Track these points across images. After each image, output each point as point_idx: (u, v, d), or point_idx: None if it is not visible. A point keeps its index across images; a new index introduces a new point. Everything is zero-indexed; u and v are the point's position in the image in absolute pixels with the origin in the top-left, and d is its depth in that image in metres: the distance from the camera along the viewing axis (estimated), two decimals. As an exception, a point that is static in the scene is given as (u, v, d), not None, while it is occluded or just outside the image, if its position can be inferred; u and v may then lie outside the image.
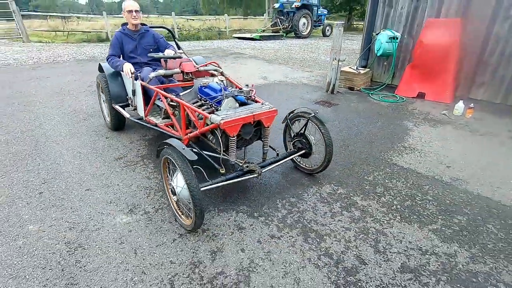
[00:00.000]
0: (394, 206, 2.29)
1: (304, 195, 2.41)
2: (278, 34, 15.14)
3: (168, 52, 3.03)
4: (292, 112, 2.67)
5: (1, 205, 2.23)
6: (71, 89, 5.23)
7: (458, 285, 1.62)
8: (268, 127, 2.30)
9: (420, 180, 2.64)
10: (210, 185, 2.02)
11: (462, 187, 2.54)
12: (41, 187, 2.46)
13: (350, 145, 3.32)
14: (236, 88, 2.69)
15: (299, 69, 7.43)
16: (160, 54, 2.92)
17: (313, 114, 2.47)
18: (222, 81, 2.76)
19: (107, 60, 3.11)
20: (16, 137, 3.36)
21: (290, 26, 15.25)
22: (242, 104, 2.35)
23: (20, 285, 1.60)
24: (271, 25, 16.21)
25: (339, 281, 1.64)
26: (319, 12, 16.16)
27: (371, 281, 1.64)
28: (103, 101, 3.48)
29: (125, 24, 3.17)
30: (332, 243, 1.92)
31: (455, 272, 1.71)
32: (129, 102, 3.16)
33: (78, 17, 16.19)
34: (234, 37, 15.20)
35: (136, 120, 2.99)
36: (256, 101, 2.38)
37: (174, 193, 1.97)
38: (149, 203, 2.29)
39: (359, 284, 1.63)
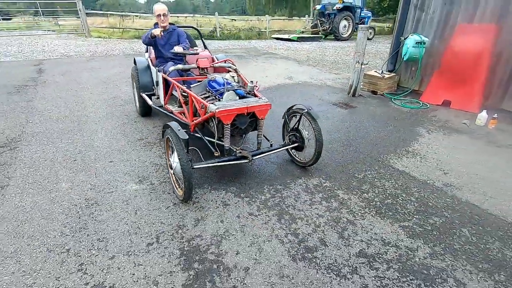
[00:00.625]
0: (374, 203, 2.40)
1: (291, 184, 2.63)
2: (316, 36, 15.10)
3: (177, 49, 3.35)
4: (290, 108, 2.89)
5: (45, 166, 2.80)
6: (115, 79, 5.97)
7: (407, 274, 1.74)
8: (262, 119, 2.56)
9: (410, 183, 2.69)
10: (203, 164, 2.35)
11: (451, 192, 2.55)
12: (76, 156, 3.01)
13: (352, 145, 3.43)
14: (244, 83, 2.99)
15: (327, 71, 7.48)
16: (175, 49, 3.28)
17: (306, 110, 2.67)
18: (233, 77, 3.09)
19: (143, 42, 3.55)
20: (65, 116, 4.04)
21: (330, 28, 15.10)
22: (242, 97, 2.63)
23: (47, 224, 2.08)
24: (311, 27, 16.20)
25: (296, 256, 1.86)
26: (362, 14, 15.75)
27: (325, 260, 1.84)
28: (135, 90, 4.02)
29: (156, 23, 3.64)
30: (302, 225, 2.13)
31: (409, 263, 1.82)
32: (154, 91, 3.63)
33: (136, 16, 17.78)
34: (272, 37, 15.50)
35: (157, 107, 3.45)
36: (256, 96, 2.65)
37: (171, 168, 2.34)
38: (156, 176, 2.69)
39: (314, 260, 1.83)
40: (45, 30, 15.93)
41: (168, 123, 2.29)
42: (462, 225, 2.16)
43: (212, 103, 2.41)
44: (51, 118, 3.95)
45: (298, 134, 2.81)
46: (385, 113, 4.54)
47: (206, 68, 3.19)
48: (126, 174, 2.72)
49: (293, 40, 14.07)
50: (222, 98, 2.53)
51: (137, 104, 4.03)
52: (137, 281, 1.66)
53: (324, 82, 6.43)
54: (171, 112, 3.21)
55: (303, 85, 6.10)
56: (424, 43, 5.02)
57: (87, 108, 4.35)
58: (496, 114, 3.94)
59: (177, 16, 17.77)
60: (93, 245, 1.90)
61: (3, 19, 20.13)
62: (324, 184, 2.64)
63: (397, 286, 1.66)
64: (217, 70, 3.80)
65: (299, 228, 2.10)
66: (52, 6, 20.44)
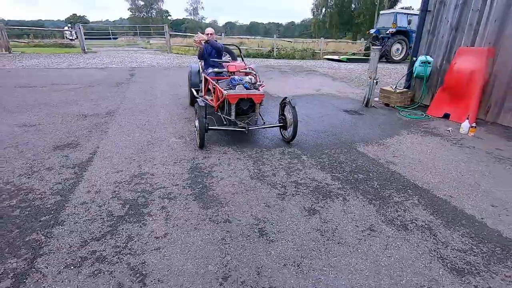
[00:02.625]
0: (323, 164, 3.47)
1: (273, 149, 3.85)
2: (367, 58, 15.69)
3: (225, 59, 4.92)
4: (282, 100, 4.14)
5: (128, 125, 4.56)
6: (180, 83, 7.95)
7: (316, 193, 2.81)
8: (258, 103, 3.88)
9: (360, 158, 3.65)
10: (215, 127, 3.77)
11: (387, 166, 3.44)
12: (145, 122, 4.74)
13: (336, 136, 4.46)
14: (257, 82, 4.34)
15: (355, 87, 8.37)
16: (218, 61, 4.85)
17: (288, 99, 3.90)
18: (251, 78, 4.49)
19: (198, 57, 5.26)
20: (143, 101, 5.96)
21: (382, 51, 15.57)
22: (248, 89, 4.00)
23: (127, 150, 3.71)
24: (364, 49, 16.85)
25: (253, 177, 3.08)
26: (418, 38, 15.80)
27: (270, 181, 3.01)
28: (189, 86, 5.73)
29: (206, 42, 5.30)
30: (266, 167, 3.34)
31: (321, 189, 2.88)
32: (200, 87, 5.26)
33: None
34: (324, 58, 16.62)
35: (198, 96, 5.03)
36: (258, 89, 3.99)
37: (195, 127, 3.81)
38: (188, 136, 4.19)
39: (262, 180, 3.03)
40: (140, 47, 20.00)
41: (197, 99, 3.79)
42: (376, 180, 3.09)
43: (226, 90, 3.84)
44: (134, 102, 5.91)
45: (283, 117, 4.03)
46: (386, 121, 5.35)
47: (234, 71, 4.66)
48: (172, 134, 4.29)
49: (343, 61, 14.98)
50: (235, 89, 3.94)
51: (189, 97, 5.72)
52: (165, 174, 3.11)
53: (347, 94, 7.39)
54: (206, 99, 4.74)
55: (326, 96, 7.17)
56: (429, 63, 5.72)
57: (157, 98, 6.25)
58: (474, 124, 4.49)
59: (247, 38, 20.32)
60: (147, 159, 3.44)
61: (113, 38, 25.68)
62: (296, 152, 3.79)
63: (305, 195, 2.76)
64: (247, 74, 5.26)
65: (263, 167, 3.31)
66: (147, 29, 25.16)
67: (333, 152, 3.83)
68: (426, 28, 6.07)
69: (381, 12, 17.74)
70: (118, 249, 2.02)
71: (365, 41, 19.02)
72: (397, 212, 2.55)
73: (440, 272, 1.89)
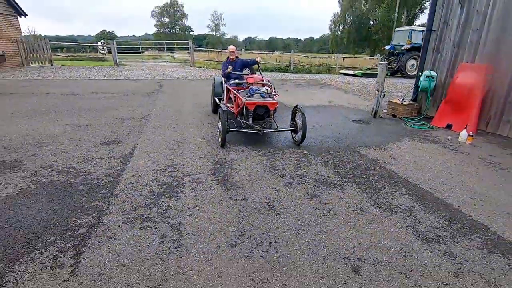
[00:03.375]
0: (327, 162, 3.99)
1: (284, 150, 4.42)
2: (382, 72, 16.08)
3: (245, 72, 5.62)
4: (294, 107, 4.73)
5: (160, 127, 5.30)
6: (203, 93, 8.75)
7: (319, 183, 3.34)
8: (273, 110, 4.49)
9: (361, 159, 4.14)
10: (235, 129, 4.41)
11: (384, 165, 3.92)
12: (175, 125, 5.46)
13: (341, 141, 4.97)
14: (272, 92, 4.98)
15: (366, 99, 8.85)
16: (238, 73, 5.56)
17: (298, 107, 4.49)
18: (267, 88, 5.13)
19: (221, 74, 6.01)
20: (171, 109, 6.74)
21: (397, 67, 15.95)
22: (263, 98, 4.63)
23: (161, 146, 4.40)
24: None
25: (266, 170, 3.66)
26: (434, 54, 16.08)
27: (280, 173, 3.57)
28: (212, 95, 6.45)
29: (228, 58, 6.04)
30: (277, 163, 3.90)
31: (323, 181, 3.40)
32: (222, 96, 5.96)
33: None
34: (339, 73, 17.18)
35: (221, 104, 5.72)
36: (272, 98, 4.62)
37: (218, 128, 4.46)
38: (211, 137, 4.85)
39: (274, 172, 3.59)
40: (165, 61, 21.41)
41: (220, 106, 4.46)
42: (372, 176, 3.58)
43: (245, 98, 4.49)
44: (164, 109, 6.71)
45: (294, 123, 4.62)
46: (391, 130, 5.81)
47: (252, 83, 5.33)
48: (197, 135, 4.97)
49: (358, 76, 15.47)
50: (253, 97, 4.59)
51: (212, 105, 6.44)
52: (193, 165, 3.74)
53: (357, 106, 7.89)
54: (227, 106, 5.42)
55: (336, 107, 7.71)
56: (433, 77, 6.16)
57: (183, 106, 7.03)
58: (471, 133, 4.88)
59: (265, 53, 21.24)
60: (177, 154, 4.10)
61: (140, 53, 27.60)
62: (304, 152, 4.34)
63: (309, 184, 3.29)
64: (264, 85, 5.93)
65: (275, 163, 3.89)
66: (171, 44, 26.81)
67: (337, 153, 4.35)
68: (431, 46, 6.54)
69: (397, 29, 18.22)
70: (160, 214, 2.65)
71: (381, 57, 19.42)
72: (385, 199, 3.03)
73: (412, 240, 2.37)
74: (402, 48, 15.60)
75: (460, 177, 3.60)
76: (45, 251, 2.13)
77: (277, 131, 4.67)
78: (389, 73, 16.29)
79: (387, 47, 17.12)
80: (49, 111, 6.14)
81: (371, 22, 38.17)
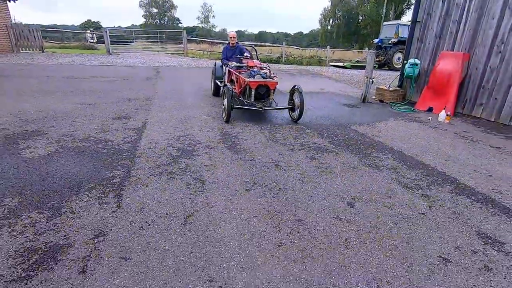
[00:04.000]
0: (322, 135, 4.46)
1: (283, 125, 4.86)
2: (371, 65, 16.71)
3: (245, 56, 6.00)
4: (293, 87, 5.16)
5: (164, 106, 5.63)
6: (201, 79, 9.06)
7: (316, 149, 3.80)
8: (273, 90, 4.91)
9: (352, 133, 4.63)
10: (238, 106, 4.80)
11: (373, 137, 4.42)
12: (178, 105, 5.81)
13: (334, 120, 5.45)
14: (270, 73, 5.39)
15: (355, 87, 9.39)
16: (240, 57, 5.94)
17: (296, 87, 4.92)
18: (265, 72, 5.53)
19: (221, 60, 6.36)
20: (173, 92, 7.05)
21: (384, 60, 16.62)
22: (264, 78, 5.04)
23: (169, 123, 4.76)
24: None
25: (269, 139, 4.09)
26: (419, 48, 16.82)
27: (282, 142, 4.01)
28: (212, 79, 6.80)
29: (228, 43, 6.40)
30: (278, 134, 4.34)
31: (319, 148, 3.87)
32: (223, 79, 6.33)
33: (221, 43, 22.25)
34: (329, 64, 17.72)
35: (223, 85, 6.09)
36: (272, 78, 5.03)
37: (222, 106, 4.85)
38: (215, 114, 5.23)
39: (276, 141, 4.03)
40: (156, 51, 21.37)
41: (226, 86, 4.84)
42: (362, 145, 4.07)
43: (247, 78, 4.89)
44: (166, 91, 7.01)
45: (292, 101, 5.06)
46: (378, 112, 6.34)
47: (252, 66, 5.71)
48: (202, 113, 5.34)
49: (347, 67, 16.04)
50: (255, 78, 4.99)
51: (212, 88, 6.79)
52: (202, 135, 4.13)
53: (347, 93, 8.40)
54: (228, 87, 5.80)
55: (328, 93, 8.20)
56: (417, 65, 6.72)
57: (184, 89, 7.35)
58: (449, 113, 5.46)
59: (257, 45, 21.52)
60: (187, 127, 4.47)
61: (129, 43, 27.32)
62: (302, 127, 4.80)
63: (307, 150, 3.75)
64: (262, 68, 6.32)
65: (276, 135, 4.32)
66: (162, 34, 26.65)
67: (330, 128, 4.83)
68: (416, 36, 7.09)
69: (384, 23, 18.87)
70: (181, 169, 3.04)
71: (369, 50, 20.06)
72: (373, 161, 3.53)
73: (396, 187, 2.86)
74: (390, 42, 16.25)
75: (437, 146, 4.14)
76: (89, 193, 2.50)
77: (276, 109, 5.10)
78: (376, 66, 16.95)
79: (375, 40, 17.75)
80: (54, 92, 6.34)
81: (360, 17, 38.91)
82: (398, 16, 34.21)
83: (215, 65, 6.68)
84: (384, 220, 2.31)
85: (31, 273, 1.64)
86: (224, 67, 6.23)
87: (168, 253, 1.84)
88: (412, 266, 1.83)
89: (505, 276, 1.79)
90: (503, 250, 2.02)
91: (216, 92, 6.69)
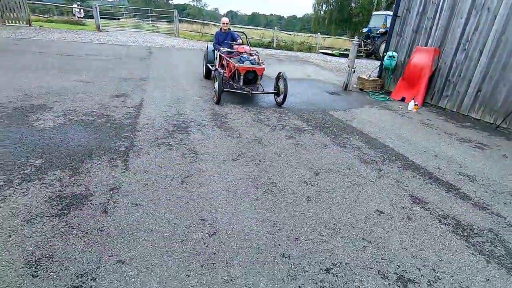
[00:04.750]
0: (302, 118, 5.01)
1: (268, 108, 5.38)
2: (358, 54, 17.21)
3: (238, 42, 6.40)
4: (279, 73, 5.64)
5: (159, 86, 6.03)
6: (193, 61, 9.37)
7: (294, 130, 4.36)
8: (260, 75, 5.38)
9: (329, 117, 5.21)
10: (228, 89, 5.27)
11: (346, 122, 5.01)
12: (172, 86, 6.20)
13: (315, 105, 6.00)
14: (258, 60, 5.84)
15: (340, 75, 9.93)
16: (231, 43, 6.34)
17: (281, 73, 5.41)
18: (254, 58, 5.96)
19: (213, 44, 6.73)
20: (166, 73, 7.40)
21: (372, 49, 17.13)
22: (253, 64, 5.49)
23: (163, 101, 5.19)
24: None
25: (254, 120, 4.61)
26: (406, 39, 17.38)
27: (266, 123, 4.54)
28: (204, 62, 7.17)
29: (221, 28, 6.74)
30: (263, 116, 4.86)
31: (297, 129, 4.43)
32: (214, 63, 6.73)
33: (214, 24, 22.13)
34: (319, 51, 18.11)
35: (214, 69, 6.50)
36: (260, 65, 5.49)
37: (213, 88, 5.31)
38: (206, 96, 5.68)
39: (260, 122, 4.56)
40: (146, 30, 21.10)
41: (217, 70, 5.28)
42: (335, 128, 4.66)
43: (237, 64, 5.33)
44: (159, 72, 7.36)
45: (277, 87, 5.56)
46: (356, 99, 6.93)
47: (242, 52, 6.13)
48: (194, 94, 5.78)
49: (335, 55, 16.49)
50: (244, 63, 5.43)
51: (203, 71, 7.19)
52: (195, 115, 4.60)
53: (332, 81, 8.94)
54: (220, 72, 6.22)
55: (313, 81, 8.71)
56: (394, 57, 7.29)
57: (177, 71, 7.71)
58: (417, 103, 6.11)
59: (249, 28, 21.58)
60: (180, 107, 4.92)
61: (116, 19, 26.64)
62: (285, 111, 5.33)
63: (287, 130, 4.30)
64: (251, 54, 6.75)
65: (261, 116, 4.84)
66: (148, 12, 26.13)
67: (311, 113, 5.38)
68: (395, 30, 7.62)
69: (374, 13, 19.25)
70: (177, 142, 3.55)
71: (357, 39, 20.47)
72: (342, 141, 4.12)
73: (356, 162, 3.47)
74: (377, 32, 16.72)
75: (400, 131, 4.78)
76: (100, 158, 2.98)
77: (263, 93, 5.59)
78: (364, 55, 17.49)
79: (364, 29, 18.18)
80: (51, 68, 6.59)
81: (353, 5, 38.88)
82: (389, 6, 34.46)
83: (207, 49, 7.04)
84: (340, 185, 2.92)
85: (65, 211, 2.15)
86: (215, 51, 6.61)
87: (169, 202, 2.39)
88: (354, 215, 2.45)
89: (420, 223, 2.43)
90: (424, 207, 2.67)
91: (207, 75, 7.09)
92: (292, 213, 2.40)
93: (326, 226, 2.28)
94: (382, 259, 2.00)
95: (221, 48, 6.21)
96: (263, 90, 5.65)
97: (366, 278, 1.83)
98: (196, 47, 13.35)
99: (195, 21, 22.29)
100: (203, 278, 1.72)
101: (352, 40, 21.59)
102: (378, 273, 1.88)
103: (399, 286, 1.80)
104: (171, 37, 17.32)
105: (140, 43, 12.81)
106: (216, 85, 5.21)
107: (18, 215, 2.06)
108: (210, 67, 6.72)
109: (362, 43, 17.77)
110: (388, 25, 16.55)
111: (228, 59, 5.70)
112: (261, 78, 5.52)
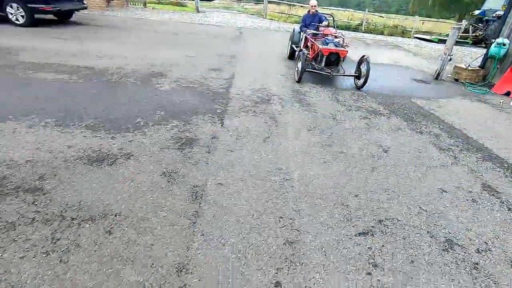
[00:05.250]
0: (381, 102, 5.04)
1: (347, 90, 5.55)
2: (463, 41, 15.01)
3: (324, 24, 6.60)
4: (362, 56, 5.68)
5: (249, 67, 6.74)
6: (277, 41, 9.85)
7: (366, 112, 4.50)
8: (343, 57, 5.55)
9: (411, 104, 5.09)
10: (310, 69, 5.62)
11: (431, 112, 4.85)
12: (258, 64, 6.85)
13: (397, 92, 5.86)
14: (343, 43, 5.97)
15: (432, 63, 9.08)
16: (317, 25, 6.57)
17: (365, 57, 5.46)
18: (339, 40, 6.11)
19: (300, 26, 7.08)
20: (253, 52, 8.10)
21: (483, 35, 14.70)
22: (336, 47, 5.67)
23: (251, 76, 5.87)
24: (462, 32, 15.97)
25: (331, 99, 4.90)
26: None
27: (343, 101, 4.79)
28: (289, 43, 7.58)
29: (309, 11, 6.99)
30: (340, 97, 5.09)
31: (373, 111, 4.55)
32: (299, 44, 7.08)
33: (301, 6, 22.06)
34: (414, 37, 16.40)
35: (298, 50, 6.86)
36: (344, 47, 5.64)
37: (296, 68, 5.72)
38: (288, 75, 6.13)
39: (338, 100, 4.82)
40: (236, 11, 22.36)
41: (302, 51, 5.65)
42: (415, 114, 4.59)
43: (321, 46, 5.59)
44: (248, 51, 8.10)
45: (359, 70, 5.64)
46: (448, 90, 6.43)
47: (328, 34, 6.32)
48: (277, 73, 6.29)
49: (433, 41, 14.75)
50: (328, 46, 5.66)
51: (288, 52, 7.62)
52: (278, 90, 5.14)
53: (422, 68, 8.31)
54: (304, 52, 6.57)
55: (402, 67, 8.26)
56: (505, 45, 6.37)
57: (263, 50, 8.34)
58: (523, 98, 5.36)
59: (337, 9, 20.90)
60: (265, 83, 5.52)
61: (210, 0, 28.80)
62: (363, 94, 5.42)
63: (363, 112, 4.47)
64: (336, 37, 6.87)
65: (338, 97, 5.08)
66: (244, -6, 27.18)
67: (390, 98, 5.35)
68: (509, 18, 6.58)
69: (493, -9, 16.19)
70: (261, 110, 4.15)
71: (466, 23, 17.67)
72: (419, 127, 4.12)
73: (430, 146, 3.51)
74: (494, 15, 14.16)
75: (492, 125, 4.42)
76: (203, 116, 3.80)
77: (344, 75, 5.76)
78: (470, 42, 15.14)
79: (477, 11, 15.57)
80: (164, 44, 7.96)
81: (467, -19, 32.91)
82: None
83: (293, 30, 7.40)
84: (407, 162, 3.09)
85: (182, 147, 2.98)
86: (301, 33, 6.93)
87: (254, 153, 3.01)
88: (415, 189, 2.66)
89: (484, 206, 2.49)
90: (494, 195, 2.67)
91: (291, 56, 7.50)
92: (356, 177, 2.75)
93: (385, 191, 2.57)
94: (434, 225, 2.23)
95: (307, 30, 6.50)
96: (344, 72, 5.80)
97: (414, 234, 2.11)
98: (282, 28, 13.76)
99: (283, 2, 22.52)
100: (278, 204, 2.28)
101: (462, 24, 18.83)
102: (427, 233, 2.14)
103: (445, 246, 2.03)
104: (259, 18, 18.07)
105: (232, 23, 13.88)
106: (299, 64, 5.60)
107: (155, 144, 2.96)
108: (295, 48, 7.10)
109: (471, 28, 15.39)
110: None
111: (312, 40, 5.99)
112: (343, 61, 5.68)
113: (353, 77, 5.82)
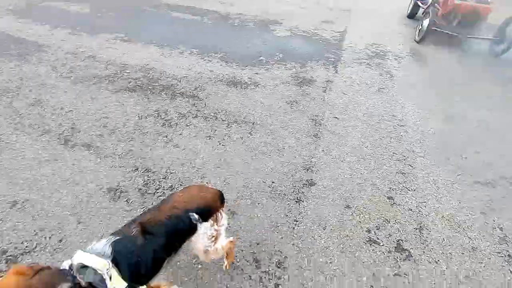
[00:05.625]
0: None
1: (478, 55, 4.85)
2: None
3: None
4: (509, 17, 4.77)
5: (364, 23, 6.40)
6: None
7: (504, 79, 3.92)
8: (484, 16, 4.76)
9: None
10: (436, 28, 5.03)
11: None
12: (371, 20, 6.43)
13: None
14: None
15: None
16: None
17: (514, 17, 4.57)
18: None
19: None
20: (368, 8, 7.55)
21: None
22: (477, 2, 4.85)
23: (364, 31, 5.62)
24: None
25: (455, 62, 4.40)
26: None
27: (469, 66, 4.27)
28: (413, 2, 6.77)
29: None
30: (467, 62, 4.51)
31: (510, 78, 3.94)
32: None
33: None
34: None
35: (423, 7, 6.08)
36: (487, 3, 4.80)
37: (418, 26, 5.19)
38: (409, 35, 5.64)
39: (462, 64, 4.31)
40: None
41: (433, 5, 5.05)
42: None
43: (456, 1, 4.87)
44: (364, 7, 7.59)
45: (503, 32, 4.77)
46: None
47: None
48: (394, 31, 5.83)
49: None
50: (466, 0, 4.90)
51: (409, 9, 6.85)
52: (394, 48, 4.86)
53: None
54: (434, 7, 5.79)
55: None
56: None
57: (378, 7, 7.69)
58: None
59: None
60: (380, 38, 5.25)
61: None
62: (501, 62, 4.66)
63: (495, 77, 3.93)
64: None
65: (464, 61, 4.52)
66: None
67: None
68: None
69: None
70: (375, 64, 4.07)
71: None
72: None
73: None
74: None
75: None
76: (317, 62, 3.97)
77: (479, 38, 4.97)
78: None
79: None
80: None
81: None
82: None
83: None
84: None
85: (301, 85, 3.28)
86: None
87: (368, 100, 3.11)
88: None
89: None
90: None
91: (412, 14, 6.74)
92: (479, 138, 2.63)
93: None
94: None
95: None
96: (479, 35, 5.00)
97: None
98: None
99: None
100: (391, 142, 2.43)
101: None
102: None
103: None
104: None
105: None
106: (425, 21, 5.06)
107: (277, 78, 3.35)
108: (420, 4, 6.33)
109: None
110: None
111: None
112: (484, 20, 4.87)
113: (492, 40, 4.98)
